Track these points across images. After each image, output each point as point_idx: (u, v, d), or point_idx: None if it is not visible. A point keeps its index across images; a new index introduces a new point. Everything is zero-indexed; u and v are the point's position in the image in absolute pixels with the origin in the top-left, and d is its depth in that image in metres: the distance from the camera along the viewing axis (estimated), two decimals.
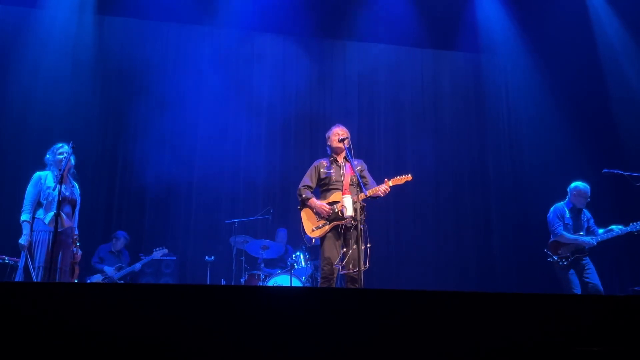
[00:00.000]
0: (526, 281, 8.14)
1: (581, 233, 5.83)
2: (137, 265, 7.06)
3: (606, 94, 8.36)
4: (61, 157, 5.00)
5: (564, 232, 5.81)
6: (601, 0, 8.33)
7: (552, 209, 6.02)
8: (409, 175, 4.79)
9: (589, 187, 5.94)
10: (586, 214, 5.96)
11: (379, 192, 4.69)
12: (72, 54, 7.81)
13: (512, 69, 8.98)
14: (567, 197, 6.02)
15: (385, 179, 4.77)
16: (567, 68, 8.57)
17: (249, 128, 8.29)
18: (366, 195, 4.61)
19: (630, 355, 2.74)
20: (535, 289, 7.74)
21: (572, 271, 5.76)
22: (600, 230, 5.81)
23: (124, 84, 8.02)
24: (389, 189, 4.73)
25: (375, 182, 4.94)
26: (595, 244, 5.72)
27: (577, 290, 5.69)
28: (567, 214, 5.90)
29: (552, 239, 5.94)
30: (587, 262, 5.76)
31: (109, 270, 6.95)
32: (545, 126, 8.76)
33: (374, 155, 8.38)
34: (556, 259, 5.82)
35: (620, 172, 5.75)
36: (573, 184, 6.01)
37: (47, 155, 5.13)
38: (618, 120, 8.24)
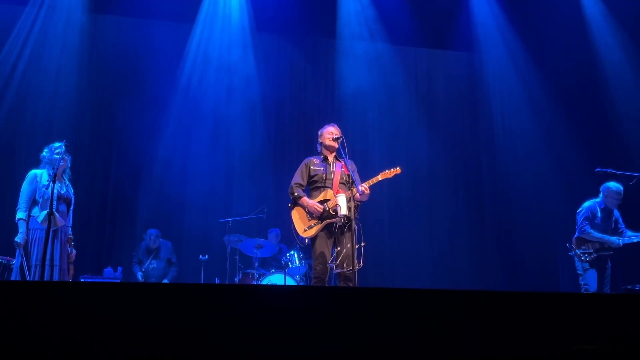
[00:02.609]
0: (520, 279, 8.17)
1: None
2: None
3: (600, 92, 8.38)
4: (58, 156, 4.96)
5: (591, 230, 5.77)
6: None
7: (584, 205, 5.95)
8: (398, 168, 4.79)
9: (621, 188, 5.83)
10: (615, 214, 5.91)
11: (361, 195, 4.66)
12: (65, 52, 7.74)
13: (505, 68, 8.97)
14: (599, 196, 5.92)
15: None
16: (561, 66, 8.58)
17: (243, 126, 8.27)
18: (359, 194, 4.61)
19: (622, 354, 2.75)
20: (529, 287, 7.77)
21: (593, 269, 5.74)
22: (629, 233, 5.77)
23: (117, 82, 7.98)
24: (368, 190, 4.67)
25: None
26: (622, 245, 5.69)
27: (592, 287, 5.69)
28: (599, 214, 5.83)
29: (577, 234, 5.90)
30: (609, 267, 5.76)
31: (140, 276, 6.99)
32: (539, 124, 8.77)
33: (368, 154, 8.38)
34: (579, 252, 5.79)
35: (613, 171, 5.72)
36: (605, 184, 5.89)
37: (44, 153, 5.07)
38: (612, 119, 8.25)
